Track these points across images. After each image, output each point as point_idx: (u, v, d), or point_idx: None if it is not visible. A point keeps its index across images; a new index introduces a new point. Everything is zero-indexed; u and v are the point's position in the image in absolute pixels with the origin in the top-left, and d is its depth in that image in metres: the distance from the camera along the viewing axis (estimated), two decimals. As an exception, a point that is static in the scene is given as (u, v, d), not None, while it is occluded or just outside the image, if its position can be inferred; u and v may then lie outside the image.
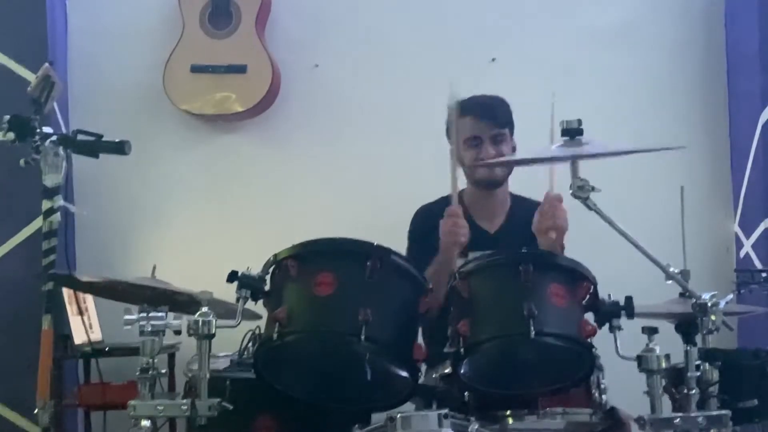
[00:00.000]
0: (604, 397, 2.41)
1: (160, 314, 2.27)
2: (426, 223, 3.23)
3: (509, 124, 3.21)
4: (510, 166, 3.23)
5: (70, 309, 3.47)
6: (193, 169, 4.10)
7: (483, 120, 3.15)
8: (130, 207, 4.08)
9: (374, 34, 4.09)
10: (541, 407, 2.38)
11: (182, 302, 2.44)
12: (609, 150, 2.40)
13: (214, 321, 2.22)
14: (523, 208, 3.25)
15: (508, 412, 2.39)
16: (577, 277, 2.31)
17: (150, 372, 2.26)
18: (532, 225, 2.94)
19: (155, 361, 2.28)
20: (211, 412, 2.20)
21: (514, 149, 3.19)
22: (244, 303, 2.28)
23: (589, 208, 2.29)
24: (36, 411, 2.51)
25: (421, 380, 2.33)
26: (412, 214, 3.34)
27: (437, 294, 2.38)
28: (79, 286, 2.82)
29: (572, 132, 2.32)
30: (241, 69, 3.94)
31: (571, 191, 2.28)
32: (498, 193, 3.25)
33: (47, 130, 2.55)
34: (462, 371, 2.28)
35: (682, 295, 2.51)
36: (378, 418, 2.29)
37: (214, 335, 2.22)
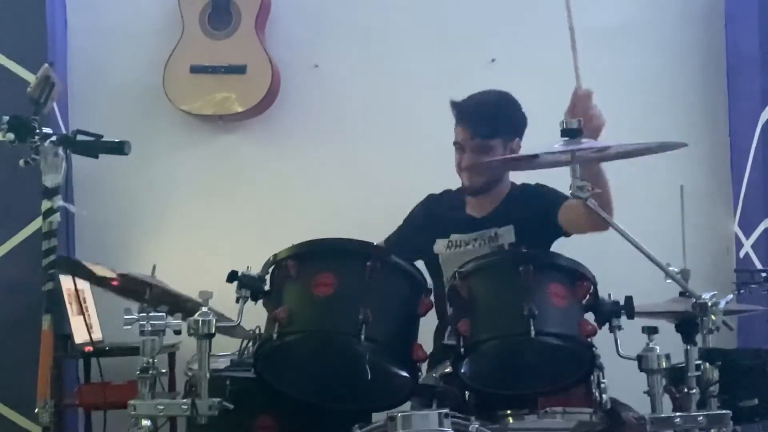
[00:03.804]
0: (604, 396, 2.41)
1: (160, 314, 2.27)
2: (430, 207, 3.24)
3: (502, 132, 3.08)
4: (496, 173, 3.14)
5: (71, 309, 3.46)
6: (193, 169, 4.10)
7: (468, 128, 3.08)
8: (130, 207, 4.07)
9: (374, 34, 4.08)
10: (541, 407, 2.37)
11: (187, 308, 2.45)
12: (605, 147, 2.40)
13: (214, 321, 2.22)
14: (521, 196, 3.21)
15: (508, 412, 2.39)
16: (577, 276, 2.31)
17: (150, 371, 2.27)
18: None
19: (155, 360, 2.28)
20: (211, 411, 2.20)
21: (512, 152, 3.08)
22: (244, 303, 2.29)
23: (589, 209, 2.29)
24: (36, 410, 2.51)
25: (421, 380, 2.33)
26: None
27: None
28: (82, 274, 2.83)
29: (572, 132, 2.32)
30: (240, 69, 3.94)
31: (570, 191, 2.28)
32: (490, 192, 3.19)
33: (47, 130, 2.53)
34: (462, 371, 2.29)
35: (682, 294, 2.52)
36: (378, 417, 2.29)
37: (214, 335, 2.23)
